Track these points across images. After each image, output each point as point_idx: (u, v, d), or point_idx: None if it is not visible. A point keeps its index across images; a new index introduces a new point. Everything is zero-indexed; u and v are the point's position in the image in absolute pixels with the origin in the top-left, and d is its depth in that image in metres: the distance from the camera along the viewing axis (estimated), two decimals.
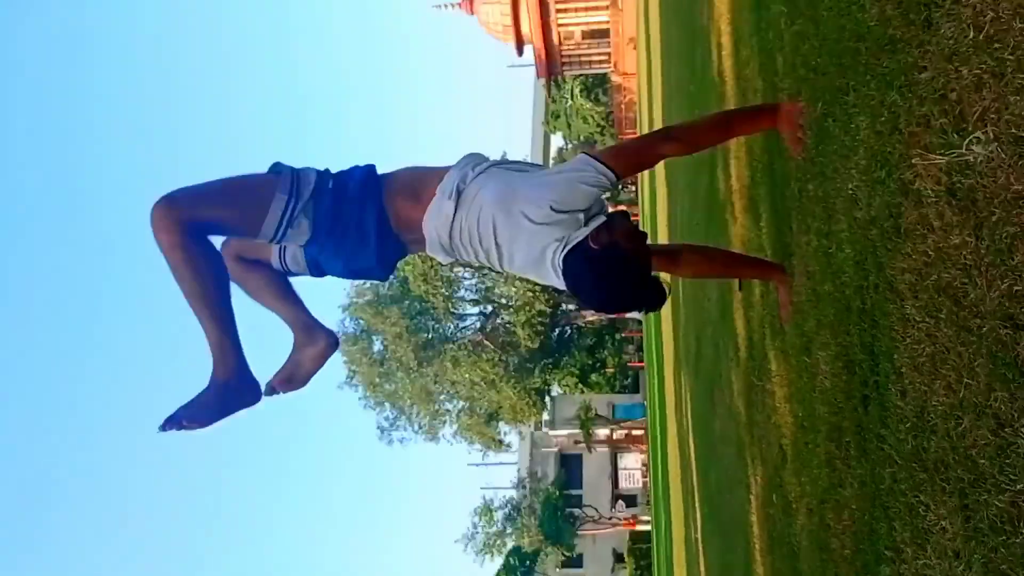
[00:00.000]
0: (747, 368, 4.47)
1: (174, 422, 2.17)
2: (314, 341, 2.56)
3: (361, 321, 34.52)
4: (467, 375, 34.80)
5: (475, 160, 2.41)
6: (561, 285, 2.33)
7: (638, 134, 28.15)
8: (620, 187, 39.62)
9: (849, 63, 2.38)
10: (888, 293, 2.07)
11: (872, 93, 2.16)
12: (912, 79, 1.87)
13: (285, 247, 2.46)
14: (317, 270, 2.48)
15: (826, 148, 2.64)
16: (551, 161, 44.84)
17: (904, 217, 1.93)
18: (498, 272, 2.55)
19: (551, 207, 2.22)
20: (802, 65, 2.96)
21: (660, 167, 12.36)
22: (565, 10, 34.20)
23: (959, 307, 1.66)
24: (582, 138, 42.00)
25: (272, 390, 2.53)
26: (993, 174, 1.50)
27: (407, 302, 33.93)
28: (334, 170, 2.43)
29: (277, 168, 2.32)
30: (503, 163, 2.49)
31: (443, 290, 33.67)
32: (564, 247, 2.25)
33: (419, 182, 2.41)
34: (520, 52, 37.87)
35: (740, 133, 3.31)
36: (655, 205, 13.44)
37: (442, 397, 36.30)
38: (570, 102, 41.06)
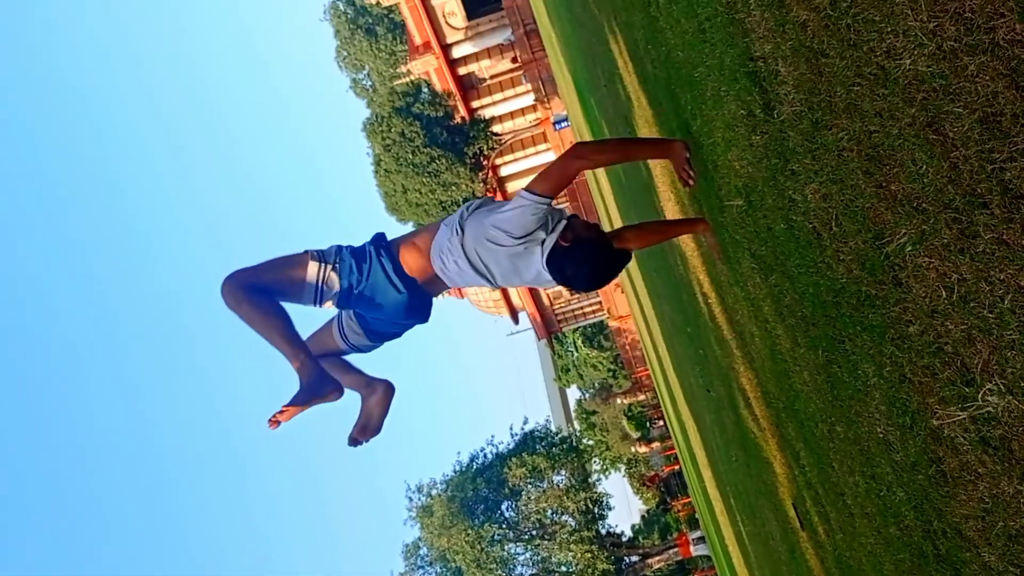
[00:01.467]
0: None
1: (276, 418, 2.77)
2: (374, 390, 3.13)
3: None
4: None
5: (458, 214, 3.06)
6: (551, 282, 2.99)
7: (649, 371, 28.43)
8: (650, 423, 39.33)
9: (834, 315, 2.44)
10: (959, 540, 1.98)
11: (867, 343, 2.20)
12: (902, 332, 1.91)
13: (343, 328, 3.12)
14: (372, 332, 3.11)
15: (841, 392, 2.64)
16: (572, 414, 44.78)
17: (945, 463, 1.89)
18: (497, 286, 3.21)
19: (513, 239, 2.88)
20: (790, 315, 3.05)
21: (683, 405, 12.33)
22: None
23: None
24: (597, 385, 42.30)
25: (355, 441, 3.10)
26: (1020, 424, 1.49)
27: None
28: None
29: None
30: (474, 209, 3.09)
31: (499, 571, 32.17)
32: (544, 255, 2.90)
33: (417, 238, 3.10)
34: (516, 320, 39.15)
35: (635, 159, 3.94)
36: (689, 440, 13.25)
37: None
38: (576, 354, 41.80)
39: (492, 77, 34.51)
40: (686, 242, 5.72)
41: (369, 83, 38.64)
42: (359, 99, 39.22)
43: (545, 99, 33.05)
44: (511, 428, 35.41)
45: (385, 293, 2.95)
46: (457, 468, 33.61)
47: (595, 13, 7.84)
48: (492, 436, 40.43)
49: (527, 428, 35.03)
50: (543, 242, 2.90)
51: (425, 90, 32.77)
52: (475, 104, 34.41)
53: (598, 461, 40.70)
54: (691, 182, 3.66)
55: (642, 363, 35.52)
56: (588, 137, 17.86)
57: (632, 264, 15.02)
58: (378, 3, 32.80)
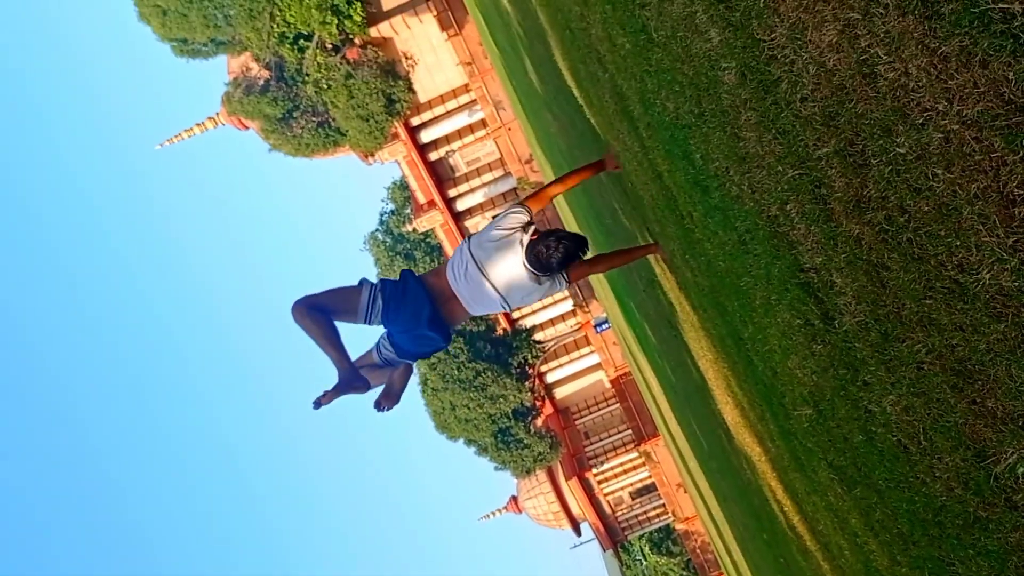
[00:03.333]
0: None
1: (319, 400, 3.62)
2: (397, 368, 4.00)
3: None
4: None
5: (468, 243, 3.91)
6: (533, 282, 3.79)
7: (723, 573, 26.71)
8: None
9: (938, 535, 2.21)
10: None
11: (984, 570, 1.96)
12: None
13: (380, 348, 3.93)
14: (399, 348, 3.84)
15: None
16: None
17: None
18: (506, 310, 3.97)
19: (497, 230, 3.79)
20: (883, 530, 2.79)
21: None
22: (606, 479, 34.78)
23: None
24: None
25: (378, 404, 3.95)
26: None
27: None
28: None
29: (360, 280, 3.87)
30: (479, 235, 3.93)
31: None
32: (523, 247, 3.73)
33: (440, 267, 3.96)
34: (578, 532, 37.59)
35: (584, 177, 4.82)
36: None
37: None
38: (645, 563, 39.68)
39: None
40: (751, 446, 5.47)
41: None
42: None
43: (584, 304, 33.56)
44: None
45: (414, 308, 3.73)
46: None
47: (625, 224, 8.00)
48: None
49: None
50: (520, 241, 3.74)
51: None
52: (515, 315, 34.96)
53: None
54: (615, 165, 5.18)
55: (716, 567, 33.50)
56: (631, 340, 17.88)
57: (693, 464, 14.51)
58: (415, 230, 34.29)
